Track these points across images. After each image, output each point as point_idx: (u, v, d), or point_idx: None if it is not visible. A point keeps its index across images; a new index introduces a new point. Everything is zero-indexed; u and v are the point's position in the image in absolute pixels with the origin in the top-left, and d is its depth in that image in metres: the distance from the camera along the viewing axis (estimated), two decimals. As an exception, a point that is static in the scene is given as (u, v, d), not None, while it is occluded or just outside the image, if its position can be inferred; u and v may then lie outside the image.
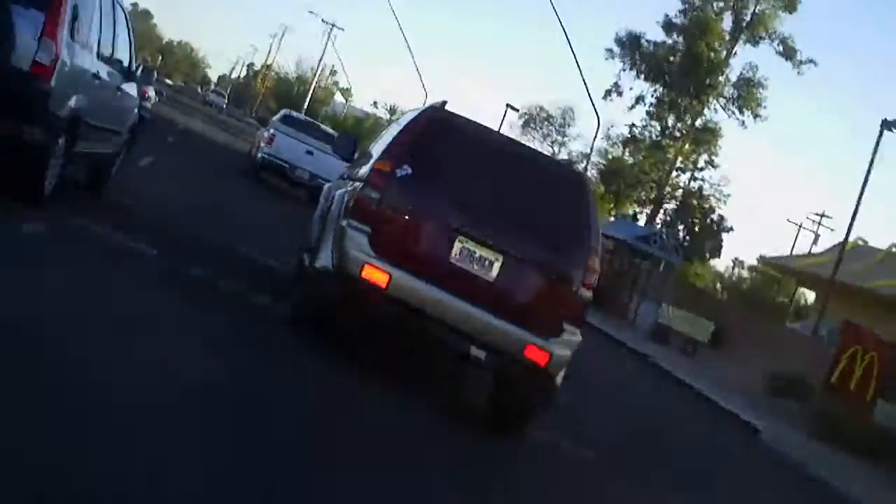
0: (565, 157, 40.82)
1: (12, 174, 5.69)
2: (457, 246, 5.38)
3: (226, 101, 71.97)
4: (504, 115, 37.75)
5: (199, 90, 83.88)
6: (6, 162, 5.58)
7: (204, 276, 6.39)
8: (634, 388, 13.07)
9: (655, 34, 39.39)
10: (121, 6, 7.22)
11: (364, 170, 5.94)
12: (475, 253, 5.39)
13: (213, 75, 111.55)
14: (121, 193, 8.27)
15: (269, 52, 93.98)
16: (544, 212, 5.86)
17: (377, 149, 6.26)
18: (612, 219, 34.40)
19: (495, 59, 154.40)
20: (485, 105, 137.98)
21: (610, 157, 38.29)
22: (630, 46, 38.37)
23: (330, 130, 19.83)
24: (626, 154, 38.31)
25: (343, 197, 6.00)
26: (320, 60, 63.07)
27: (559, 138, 42.75)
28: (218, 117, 49.31)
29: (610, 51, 38.57)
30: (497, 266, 5.40)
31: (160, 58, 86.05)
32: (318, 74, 63.01)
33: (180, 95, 59.41)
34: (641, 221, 35.92)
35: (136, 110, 8.43)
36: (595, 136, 31.39)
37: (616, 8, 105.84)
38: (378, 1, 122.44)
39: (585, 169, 35.06)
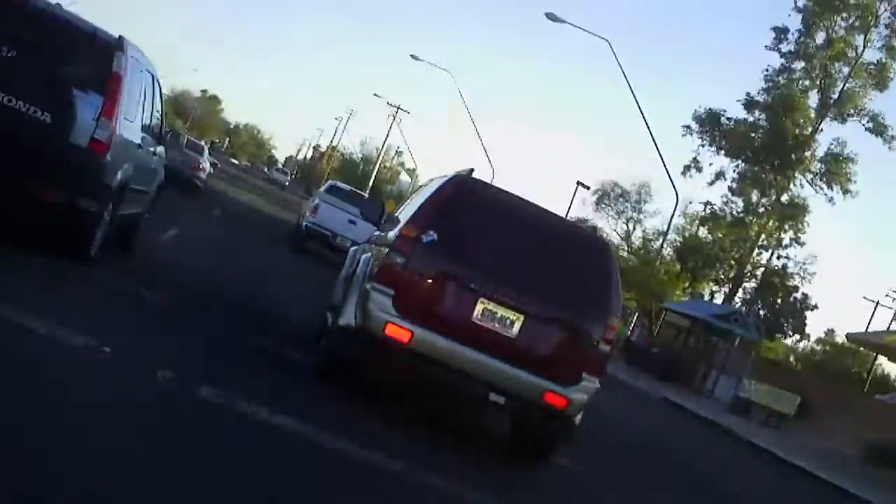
0: (640, 234, 41.24)
1: (65, 236, 6.75)
2: (479, 307, 6.02)
3: (288, 178, 77.10)
4: (574, 193, 38.60)
5: (266, 169, 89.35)
6: (60, 224, 6.64)
7: (227, 332, 7.28)
8: (724, 460, 13.53)
9: (735, 111, 40.32)
10: (154, 76, 8.38)
11: (391, 235, 6.53)
12: (497, 313, 6.03)
13: (280, 156, 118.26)
14: (154, 257, 9.42)
15: (335, 134, 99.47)
16: (567, 274, 6.51)
17: (404, 214, 6.92)
18: (688, 297, 34.36)
19: (565, 135, 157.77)
20: (554, 182, 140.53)
21: (686, 234, 38.53)
22: (710, 123, 39.28)
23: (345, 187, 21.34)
24: (705, 231, 38.53)
25: (369, 261, 6.67)
26: (385, 141, 66.94)
27: (634, 215, 43.09)
28: (279, 194, 53.66)
29: (688, 127, 39.51)
30: (518, 324, 6.06)
31: (227, 139, 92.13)
32: (382, 155, 67.23)
33: (245, 173, 64.21)
34: (718, 299, 35.73)
35: (162, 170, 9.63)
36: (673, 213, 31.90)
37: (686, 85, 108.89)
38: (445, 82, 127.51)
39: (662, 246, 35.46)
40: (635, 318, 36.98)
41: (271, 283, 12.21)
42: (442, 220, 6.26)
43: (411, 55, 46.47)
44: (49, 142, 6.23)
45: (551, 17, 30.52)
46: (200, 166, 22.71)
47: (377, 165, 65.45)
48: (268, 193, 46.94)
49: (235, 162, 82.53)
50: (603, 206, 43.29)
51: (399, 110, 64.39)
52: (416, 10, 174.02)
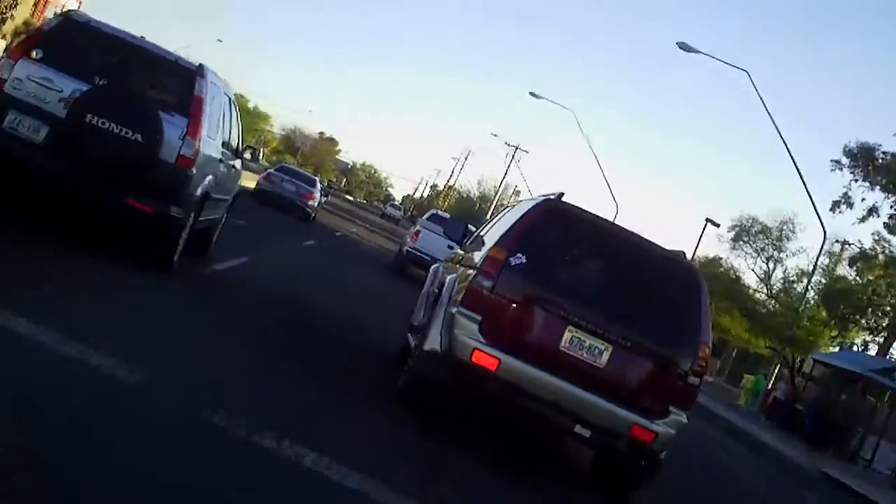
0: (780, 273, 40.36)
1: (152, 243, 8.20)
2: (567, 335, 6.31)
3: (402, 214, 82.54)
4: (703, 229, 38.54)
5: (382, 206, 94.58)
6: (149, 232, 8.09)
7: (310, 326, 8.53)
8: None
9: (890, 145, 39.53)
10: (230, 98, 9.90)
11: (478, 257, 6.98)
12: (585, 342, 6.32)
13: (398, 195, 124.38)
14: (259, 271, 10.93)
15: (452, 173, 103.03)
16: (656, 302, 6.83)
17: (490, 236, 7.34)
18: (836, 348, 33.29)
19: (693, 170, 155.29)
20: (682, 219, 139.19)
21: (833, 276, 37.48)
22: (862, 157, 38.23)
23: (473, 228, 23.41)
24: (854, 272, 37.36)
25: (454, 283, 6.99)
26: (502, 180, 70.03)
27: (775, 253, 42.27)
28: (392, 227, 59.67)
29: (837, 162, 38.57)
30: (607, 354, 6.34)
31: (344, 180, 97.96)
32: (500, 193, 70.96)
33: (360, 209, 71.22)
34: (872, 351, 34.44)
35: (239, 181, 11.35)
36: (820, 252, 31.42)
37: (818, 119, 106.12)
38: (566, 119, 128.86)
39: (807, 289, 34.61)
40: (776, 369, 36.18)
41: (367, 304, 13.68)
42: (530, 243, 6.58)
43: (531, 93, 47.98)
44: (141, 159, 7.70)
45: (684, 47, 30.87)
46: (311, 196, 28.64)
47: (493, 203, 67.65)
48: (381, 227, 52.41)
49: (350, 198, 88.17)
50: (741, 242, 42.77)
51: (517, 150, 66.97)
52: (534, 46, 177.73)
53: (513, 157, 67.51)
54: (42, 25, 8.64)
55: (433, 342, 6.55)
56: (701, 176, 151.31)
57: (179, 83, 8.18)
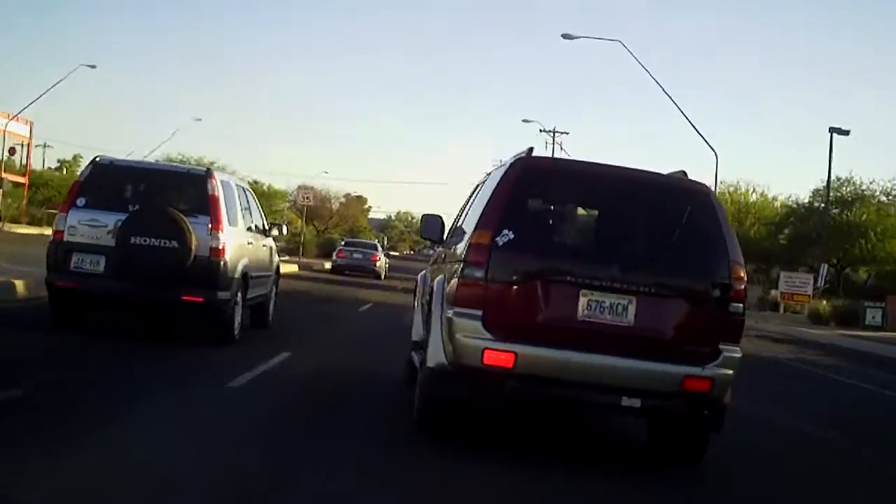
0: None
1: (210, 325, 9.87)
2: (583, 300, 5.64)
3: None
4: (831, 142, 35.69)
5: (433, 249, 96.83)
6: (205, 317, 9.76)
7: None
8: None
9: None
10: (245, 188, 11.69)
11: (461, 247, 6.14)
12: (605, 302, 5.65)
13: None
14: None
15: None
16: (671, 235, 6.06)
17: (469, 221, 6.47)
18: None
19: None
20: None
21: None
22: None
23: None
24: None
25: (443, 284, 6.26)
26: None
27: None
28: None
29: None
30: (632, 309, 5.67)
31: (383, 236, 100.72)
32: None
33: (408, 260, 74.13)
34: None
35: (276, 257, 12.95)
36: None
37: None
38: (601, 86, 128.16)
39: None
40: None
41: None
42: (514, 214, 5.88)
43: (564, 35, 44.55)
44: (181, 260, 9.37)
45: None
46: (376, 258, 36.69)
47: None
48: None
49: (396, 253, 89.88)
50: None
51: (555, 133, 59.05)
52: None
53: (553, 142, 58.98)
54: (78, 178, 10.53)
55: (436, 355, 5.93)
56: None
57: (195, 189, 9.89)
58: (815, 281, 35.62)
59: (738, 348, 5.84)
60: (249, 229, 11.08)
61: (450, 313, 5.77)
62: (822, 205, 41.15)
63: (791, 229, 45.95)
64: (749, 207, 50.09)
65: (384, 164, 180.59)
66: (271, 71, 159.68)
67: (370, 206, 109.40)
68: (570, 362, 5.64)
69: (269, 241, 12.38)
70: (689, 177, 6.54)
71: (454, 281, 5.90)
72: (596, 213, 6.67)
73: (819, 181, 45.63)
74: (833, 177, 38.93)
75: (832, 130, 35.86)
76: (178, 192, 10.10)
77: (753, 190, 51.90)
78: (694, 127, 32.00)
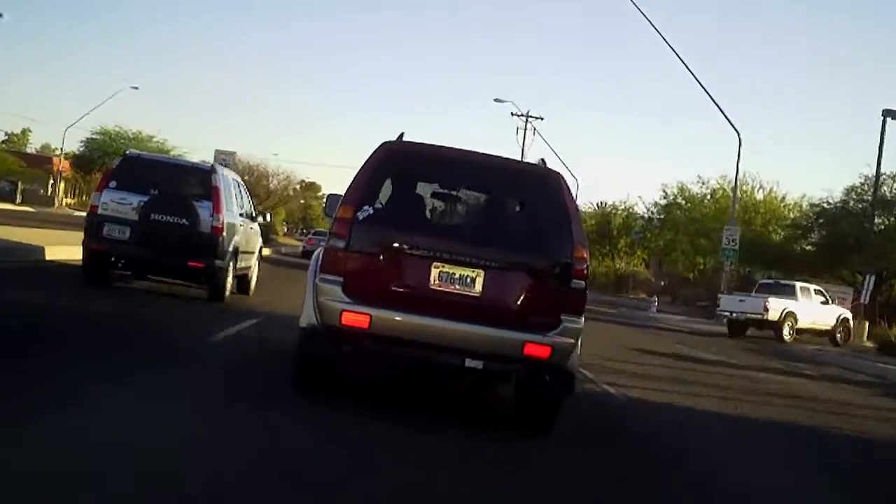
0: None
1: (209, 287, 12.75)
2: (434, 271, 6.26)
3: None
4: (883, 126, 31.01)
5: None
6: (206, 280, 12.65)
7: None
8: None
9: None
10: (238, 181, 14.59)
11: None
12: (455, 274, 6.27)
13: None
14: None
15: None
16: (520, 216, 6.87)
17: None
18: None
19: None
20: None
21: None
22: None
23: None
24: None
25: (318, 254, 6.78)
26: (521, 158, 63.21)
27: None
28: None
29: None
30: (480, 281, 6.27)
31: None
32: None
33: None
34: None
35: (259, 236, 15.81)
36: None
37: None
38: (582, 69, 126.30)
39: None
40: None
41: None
42: (374, 191, 6.56)
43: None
44: (189, 235, 12.21)
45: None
46: None
47: None
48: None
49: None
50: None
51: (528, 118, 54.73)
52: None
53: (525, 129, 55.02)
54: (111, 165, 13.40)
55: (308, 317, 6.56)
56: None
57: (201, 180, 12.76)
58: (858, 295, 30.47)
59: (579, 319, 6.46)
60: (241, 214, 13.94)
61: (317, 279, 6.43)
62: (862, 205, 34.80)
63: (820, 233, 37.87)
64: (756, 206, 45.88)
65: (342, 151, 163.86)
66: (237, 50, 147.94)
67: (323, 194, 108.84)
68: (420, 325, 6.23)
69: (255, 226, 15.26)
70: (545, 165, 7.27)
71: (321, 251, 6.65)
72: (453, 194, 7.40)
73: (858, 175, 39.19)
74: (866, 172, 33.92)
75: (886, 114, 30.92)
76: (188, 181, 12.95)
77: (760, 187, 47.23)
78: (715, 103, 29.84)
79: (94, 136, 63.71)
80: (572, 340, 6.40)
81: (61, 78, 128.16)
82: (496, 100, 53.64)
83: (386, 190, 6.83)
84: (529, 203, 6.92)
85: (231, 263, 13.01)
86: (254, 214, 15.11)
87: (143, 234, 12.11)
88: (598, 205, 62.95)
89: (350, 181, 6.71)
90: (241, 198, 14.32)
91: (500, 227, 6.92)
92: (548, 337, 6.27)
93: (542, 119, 55.67)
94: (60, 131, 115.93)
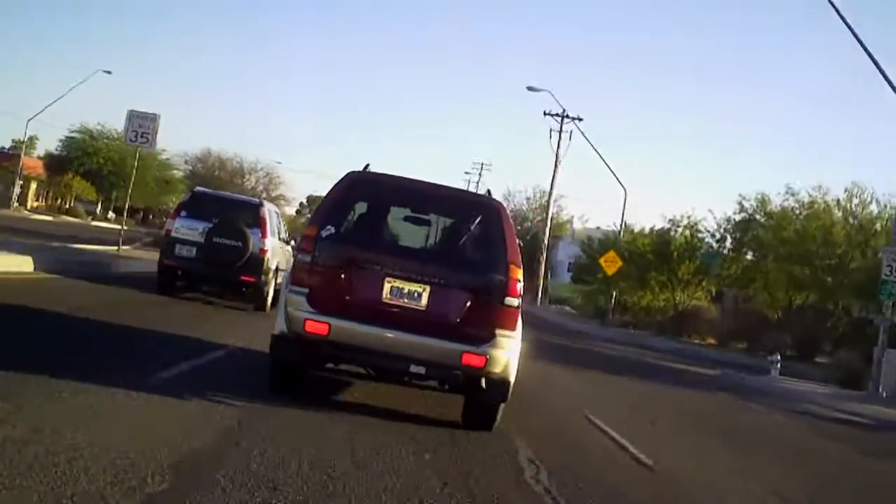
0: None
1: (254, 299, 15.90)
2: (386, 286, 6.97)
3: None
4: None
5: None
6: (252, 293, 15.81)
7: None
8: None
9: None
10: (276, 213, 17.78)
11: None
12: (404, 289, 6.97)
13: None
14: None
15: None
16: (463, 239, 7.74)
17: None
18: None
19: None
20: None
21: None
22: None
23: None
24: None
25: (291, 269, 7.54)
26: (555, 167, 52.57)
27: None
28: None
29: None
30: (426, 296, 6.98)
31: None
32: (553, 196, 56.38)
33: None
34: None
35: (291, 257, 18.79)
36: None
37: None
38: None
39: None
40: None
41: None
42: (339, 214, 7.41)
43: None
44: (243, 255, 15.38)
45: None
46: None
47: (551, 199, 55.14)
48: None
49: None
50: None
51: (565, 117, 48.55)
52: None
53: (560, 131, 49.21)
54: (183, 199, 16.60)
55: (280, 325, 7.29)
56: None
57: (252, 212, 16.01)
58: None
59: (512, 334, 7.13)
60: (280, 239, 17.15)
61: (286, 291, 7.32)
62: None
63: None
64: (872, 224, 33.67)
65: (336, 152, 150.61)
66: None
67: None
68: (372, 334, 6.96)
69: (289, 248, 18.46)
70: (492, 195, 8.15)
71: (291, 265, 7.49)
72: (408, 217, 8.30)
73: None
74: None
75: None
76: (242, 212, 16.19)
77: (874, 199, 34.54)
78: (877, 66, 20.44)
79: (73, 135, 61.05)
80: (506, 353, 7.11)
81: (36, 67, 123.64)
82: (529, 88, 47.40)
83: (346, 213, 7.73)
84: (473, 229, 7.73)
85: (273, 279, 16.20)
86: (288, 238, 18.33)
87: (207, 254, 15.29)
88: (661, 226, 44.77)
89: (319, 204, 7.75)
90: (279, 226, 17.54)
91: (446, 248, 8.06)
92: (483, 348, 6.97)
93: (580, 120, 48.85)
94: (38, 127, 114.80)
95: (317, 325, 6.92)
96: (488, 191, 8.50)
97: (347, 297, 7.04)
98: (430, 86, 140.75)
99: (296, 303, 7.03)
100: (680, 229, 42.25)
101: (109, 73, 53.38)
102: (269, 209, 16.50)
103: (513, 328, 7.15)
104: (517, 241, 7.47)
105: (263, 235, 15.78)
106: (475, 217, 7.68)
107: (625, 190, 55.11)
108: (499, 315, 7.08)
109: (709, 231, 41.35)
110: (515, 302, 7.14)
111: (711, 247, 41.56)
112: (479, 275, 7.25)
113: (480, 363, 6.95)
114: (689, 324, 39.13)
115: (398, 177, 7.87)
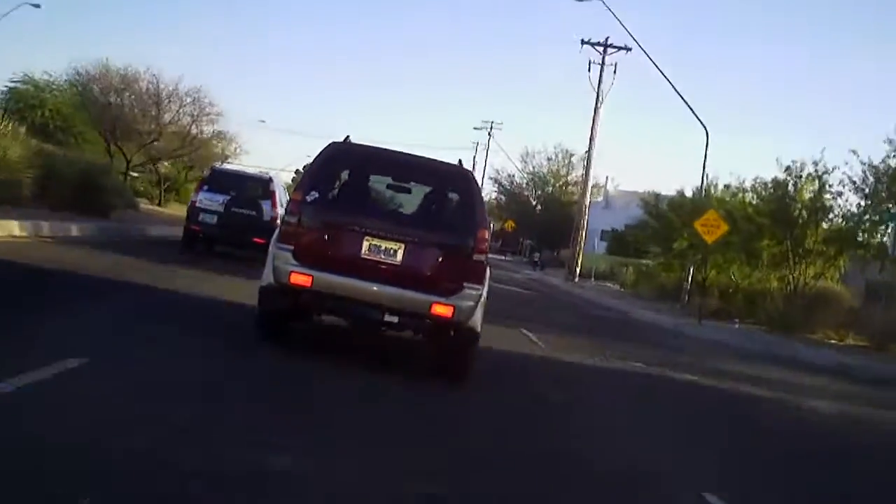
0: None
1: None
2: (365, 244, 7.70)
3: None
4: None
5: None
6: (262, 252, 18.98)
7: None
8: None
9: None
10: (284, 187, 20.97)
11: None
12: (381, 246, 7.71)
13: None
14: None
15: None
16: (436, 203, 8.67)
17: None
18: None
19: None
20: None
21: None
22: None
23: None
24: None
25: (278, 230, 8.28)
26: (591, 141, 43.46)
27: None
28: None
29: None
30: (401, 253, 7.70)
31: None
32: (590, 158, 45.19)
33: None
34: None
35: None
36: None
37: None
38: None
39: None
40: None
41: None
42: (322, 180, 8.12)
43: None
44: (256, 222, 18.54)
45: None
46: None
47: (590, 169, 44.64)
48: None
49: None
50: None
51: (607, 48, 40.96)
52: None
53: (602, 63, 40.42)
54: (204, 175, 19.94)
55: (267, 278, 7.95)
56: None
57: (263, 186, 19.25)
58: None
59: (480, 286, 7.81)
60: (283, 208, 20.38)
61: (274, 248, 7.94)
62: None
63: None
64: None
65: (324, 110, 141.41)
66: None
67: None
68: (351, 285, 7.63)
69: None
70: (461, 165, 8.78)
71: (280, 225, 8.21)
72: (385, 183, 9.27)
73: None
74: None
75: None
76: (255, 186, 19.43)
77: None
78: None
79: (15, 85, 42.15)
80: (472, 304, 7.76)
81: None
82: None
83: (328, 179, 8.39)
84: (445, 193, 8.66)
85: (280, 242, 19.44)
86: None
87: (226, 221, 18.54)
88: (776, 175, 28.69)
89: (304, 171, 8.76)
90: (286, 196, 20.78)
91: (421, 212, 8.86)
92: (451, 299, 7.63)
93: (628, 50, 39.91)
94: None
95: (301, 277, 7.64)
96: (459, 160, 9.21)
97: (329, 253, 7.77)
98: (443, 39, 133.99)
99: (283, 258, 7.77)
100: (801, 180, 27.08)
101: (38, 6, 40.47)
102: (277, 183, 19.76)
103: (479, 282, 7.87)
104: (485, 205, 8.41)
105: (273, 206, 18.99)
106: (447, 183, 8.62)
107: (706, 130, 32.61)
108: (466, 270, 7.78)
109: (853, 181, 25.65)
110: (482, 258, 7.94)
111: (852, 206, 26.45)
112: (449, 234, 8.03)
113: (449, 312, 7.63)
114: (817, 315, 25.28)
115: (376, 147, 8.89)
